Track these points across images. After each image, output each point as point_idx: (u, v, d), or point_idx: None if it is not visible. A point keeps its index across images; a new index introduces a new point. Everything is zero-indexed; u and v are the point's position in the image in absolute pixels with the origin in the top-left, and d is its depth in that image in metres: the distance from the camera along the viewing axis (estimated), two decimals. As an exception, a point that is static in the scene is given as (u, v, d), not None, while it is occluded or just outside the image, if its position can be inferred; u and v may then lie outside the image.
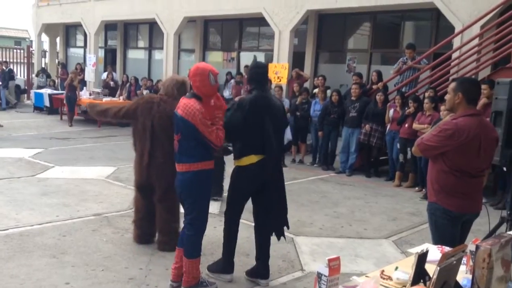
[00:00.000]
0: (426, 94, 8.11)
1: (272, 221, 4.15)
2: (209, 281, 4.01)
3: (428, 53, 9.56)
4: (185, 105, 3.71)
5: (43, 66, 20.76)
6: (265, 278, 4.18)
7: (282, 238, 4.24)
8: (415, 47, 9.37)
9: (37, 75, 18.86)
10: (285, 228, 4.24)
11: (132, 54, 18.99)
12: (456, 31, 9.17)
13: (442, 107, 7.16)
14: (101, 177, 7.75)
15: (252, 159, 3.97)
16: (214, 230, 5.13)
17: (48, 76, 18.62)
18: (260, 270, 4.19)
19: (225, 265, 4.19)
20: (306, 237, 5.40)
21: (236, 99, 4.46)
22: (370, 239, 5.45)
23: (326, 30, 12.96)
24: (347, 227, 5.88)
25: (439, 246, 2.89)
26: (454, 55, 9.08)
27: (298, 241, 5.25)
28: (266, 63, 4.36)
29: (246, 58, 14.83)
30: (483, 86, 7.27)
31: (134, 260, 4.51)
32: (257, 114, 3.92)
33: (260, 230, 4.19)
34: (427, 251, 2.19)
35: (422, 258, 2.15)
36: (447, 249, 2.66)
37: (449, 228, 3.43)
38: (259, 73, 4.10)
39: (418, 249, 2.41)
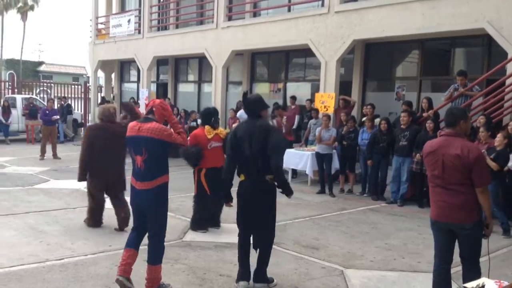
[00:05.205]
0: (479, 121, 7.85)
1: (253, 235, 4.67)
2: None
3: (481, 79, 9.29)
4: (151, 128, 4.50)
5: (103, 95, 21.72)
6: (254, 281, 4.60)
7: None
8: (466, 74, 9.13)
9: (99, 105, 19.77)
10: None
11: (182, 87, 19.59)
12: (509, 56, 8.90)
13: (499, 134, 6.93)
14: (152, 207, 7.91)
15: (241, 177, 4.66)
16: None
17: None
18: (255, 272, 4.62)
19: (239, 272, 4.63)
20: (357, 270, 5.27)
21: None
22: (425, 273, 5.22)
23: (373, 58, 12.90)
24: (400, 259, 5.69)
25: (497, 280, 2.75)
26: (508, 81, 8.79)
27: (348, 274, 5.13)
28: (256, 95, 5.01)
29: (293, 89, 14.94)
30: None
31: (183, 291, 4.55)
32: (237, 139, 4.56)
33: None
34: (483, 286, 2.09)
35: (478, 293, 2.06)
36: (505, 284, 2.53)
37: (435, 235, 4.07)
38: (247, 105, 4.73)
39: (474, 283, 2.31)
